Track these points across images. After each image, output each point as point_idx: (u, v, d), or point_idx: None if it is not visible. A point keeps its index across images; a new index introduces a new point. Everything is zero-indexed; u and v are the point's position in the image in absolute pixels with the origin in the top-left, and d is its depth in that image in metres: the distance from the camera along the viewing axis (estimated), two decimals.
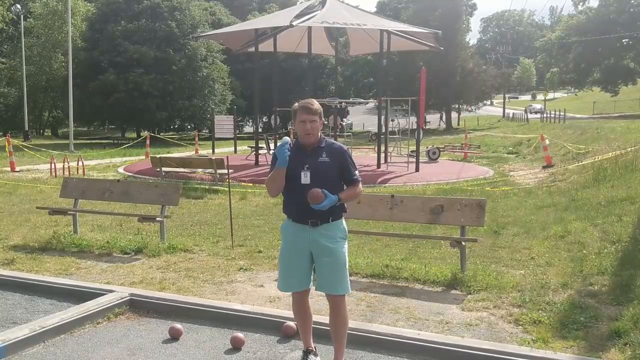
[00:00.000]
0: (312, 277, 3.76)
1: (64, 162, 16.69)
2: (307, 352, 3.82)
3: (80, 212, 8.25)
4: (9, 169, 18.01)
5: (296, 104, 3.65)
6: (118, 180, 8.95)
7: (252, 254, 6.97)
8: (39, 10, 43.01)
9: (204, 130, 43.60)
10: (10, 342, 4.04)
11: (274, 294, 5.28)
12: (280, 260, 3.80)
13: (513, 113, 59.87)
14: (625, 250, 6.44)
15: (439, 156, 21.18)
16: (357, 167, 3.77)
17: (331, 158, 3.58)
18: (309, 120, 3.55)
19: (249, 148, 22.22)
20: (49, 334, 4.30)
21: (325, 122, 3.65)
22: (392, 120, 20.38)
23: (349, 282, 3.69)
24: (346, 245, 3.72)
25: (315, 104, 3.61)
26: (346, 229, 3.75)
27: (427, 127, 46.71)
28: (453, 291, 5.46)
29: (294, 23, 16.89)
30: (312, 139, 3.59)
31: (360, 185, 3.71)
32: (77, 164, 17.22)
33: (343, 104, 23.17)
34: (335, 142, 3.78)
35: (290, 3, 51.99)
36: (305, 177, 3.57)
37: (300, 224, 3.65)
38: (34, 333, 4.21)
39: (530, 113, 55.24)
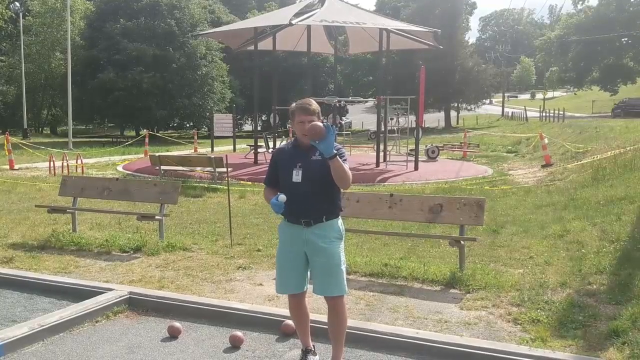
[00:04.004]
0: (308, 279, 3.72)
1: (62, 161, 16.68)
2: (306, 352, 3.81)
3: (79, 210, 8.24)
4: (8, 167, 17.99)
5: (293, 105, 3.60)
6: (117, 179, 8.94)
7: (251, 252, 6.97)
8: (37, 8, 42.92)
9: (203, 129, 43.63)
10: (10, 340, 4.04)
11: (273, 292, 5.27)
12: (277, 261, 3.78)
13: (512, 112, 59.93)
14: (624, 249, 6.45)
15: (438, 155, 21.17)
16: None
17: (324, 156, 3.46)
18: (307, 121, 3.47)
19: (248, 146, 22.22)
20: (48, 332, 4.30)
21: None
22: (392, 119, 20.35)
23: (345, 282, 3.62)
24: (342, 245, 3.66)
25: (313, 104, 3.56)
26: (342, 229, 3.69)
27: (426, 126, 46.65)
28: (452, 290, 5.46)
29: (293, 22, 16.88)
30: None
31: (350, 175, 3.51)
32: (76, 162, 17.20)
33: (342, 102, 23.17)
34: None
35: (289, 1, 51.90)
36: (297, 176, 3.53)
37: (294, 224, 3.61)
38: (33, 331, 4.21)
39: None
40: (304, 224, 3.57)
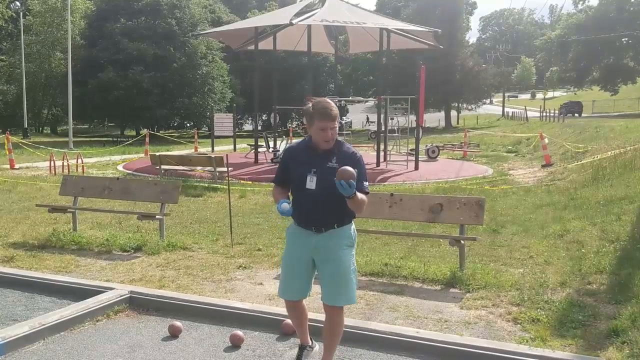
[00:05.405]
0: (311, 285, 3.62)
1: (63, 160, 16.69)
2: (302, 347, 3.80)
3: (79, 209, 8.25)
4: (8, 166, 18.00)
5: (310, 106, 3.34)
6: (117, 178, 8.94)
7: (251, 252, 6.98)
8: (38, 8, 42.92)
9: (204, 128, 43.61)
10: (10, 339, 4.04)
11: (273, 292, 5.28)
12: (282, 266, 3.65)
13: (512, 112, 59.97)
14: (623, 249, 6.46)
15: (438, 154, 21.18)
16: None
17: (341, 164, 3.23)
18: (330, 128, 3.26)
19: (249, 146, 22.24)
20: (48, 331, 4.30)
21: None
22: (392, 119, 20.36)
23: (354, 292, 3.45)
24: (353, 253, 3.49)
25: (334, 108, 3.32)
26: (354, 236, 3.53)
27: (426, 125, 46.65)
28: (452, 289, 5.47)
29: (293, 21, 16.89)
30: (331, 145, 3.35)
31: (365, 203, 3.37)
32: (77, 162, 17.21)
33: (342, 102, 23.17)
34: (348, 145, 3.48)
35: (290, 1, 51.91)
36: (311, 182, 3.33)
37: (305, 229, 3.47)
38: (34, 330, 4.21)
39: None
40: (315, 230, 3.44)
